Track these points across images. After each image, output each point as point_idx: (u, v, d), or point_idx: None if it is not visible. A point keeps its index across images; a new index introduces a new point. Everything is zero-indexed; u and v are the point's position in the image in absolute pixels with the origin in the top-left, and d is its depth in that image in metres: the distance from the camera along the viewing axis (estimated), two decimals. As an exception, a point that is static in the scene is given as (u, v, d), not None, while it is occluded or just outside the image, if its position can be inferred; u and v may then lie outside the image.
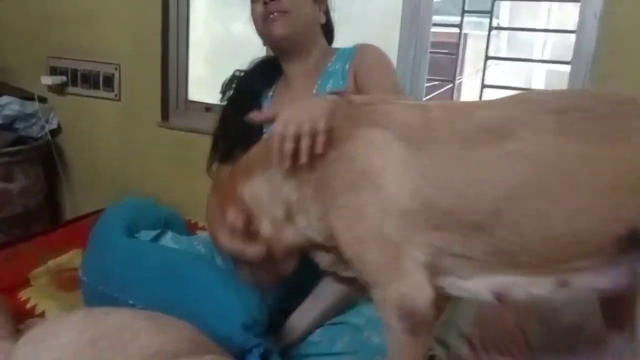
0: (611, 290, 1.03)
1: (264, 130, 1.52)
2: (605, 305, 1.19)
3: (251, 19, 1.57)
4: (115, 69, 2.59)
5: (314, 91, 1.54)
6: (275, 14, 1.48)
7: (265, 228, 1.16)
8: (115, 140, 2.66)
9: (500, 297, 1.05)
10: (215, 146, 1.66)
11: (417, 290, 1.02)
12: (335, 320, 1.37)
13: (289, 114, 1.08)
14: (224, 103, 1.70)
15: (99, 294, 1.37)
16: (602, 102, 1.04)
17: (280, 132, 1.04)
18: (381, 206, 1.02)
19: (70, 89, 2.71)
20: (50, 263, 1.89)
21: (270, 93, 1.64)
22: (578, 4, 1.89)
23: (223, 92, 1.70)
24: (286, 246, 1.18)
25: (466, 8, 2.12)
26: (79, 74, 2.67)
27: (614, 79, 1.82)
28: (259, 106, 1.60)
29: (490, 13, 2.10)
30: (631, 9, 1.77)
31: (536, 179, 0.98)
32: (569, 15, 1.92)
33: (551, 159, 0.99)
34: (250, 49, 1.77)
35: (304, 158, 1.04)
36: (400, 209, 1.01)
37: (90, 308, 1.19)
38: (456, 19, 2.15)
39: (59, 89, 2.72)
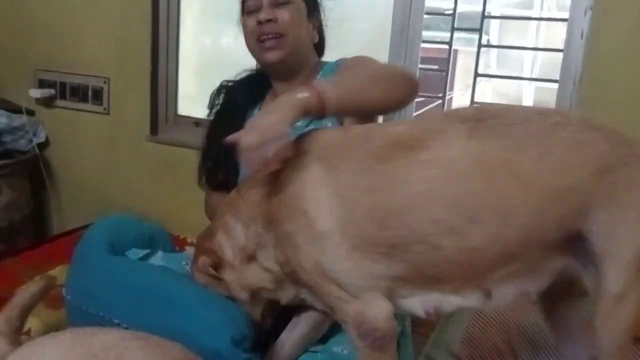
0: (538, 293, 1.06)
1: None
2: (549, 313, 1.21)
3: (241, 31, 1.56)
4: (105, 82, 2.58)
5: None
6: (270, 36, 1.46)
7: (227, 274, 1.22)
8: (103, 154, 2.64)
9: (430, 314, 1.06)
10: (204, 159, 1.66)
11: (372, 307, 1.02)
12: (318, 348, 1.35)
13: (253, 121, 1.09)
14: (212, 117, 1.69)
15: (82, 313, 1.34)
16: (522, 110, 1.08)
17: (243, 142, 1.04)
18: (309, 232, 1.03)
19: (59, 102, 2.69)
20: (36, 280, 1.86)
21: (257, 108, 1.62)
22: (566, 23, 1.91)
23: (211, 104, 1.69)
24: (250, 287, 1.21)
25: (456, 25, 2.13)
26: (67, 86, 2.65)
27: (600, 99, 1.83)
28: (244, 120, 1.57)
29: (479, 31, 2.11)
30: (617, 30, 1.79)
31: (447, 187, 0.98)
32: (559, 33, 1.93)
33: (463, 165, 0.99)
34: (239, 63, 1.77)
35: (273, 165, 1.05)
36: (323, 230, 1.02)
37: (78, 328, 1.17)
38: (446, 35, 2.16)
39: (47, 102, 2.70)
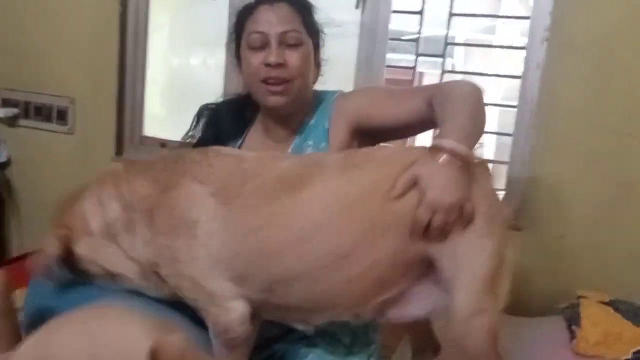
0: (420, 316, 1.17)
1: None
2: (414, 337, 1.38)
3: (235, 60, 1.47)
4: (70, 102, 2.56)
5: (291, 147, 1.43)
6: (278, 84, 1.34)
7: (81, 246, 1.22)
8: (67, 175, 2.61)
9: None
10: None
11: (229, 312, 1.13)
12: None
13: (437, 202, 1.10)
14: (188, 140, 1.56)
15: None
16: (385, 151, 1.24)
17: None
18: (193, 253, 1.12)
19: (23, 122, 2.67)
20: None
21: (240, 141, 1.50)
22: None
23: (191, 130, 1.55)
24: (104, 267, 1.23)
25: (422, 49, 2.19)
26: (32, 106, 2.63)
27: (556, 125, 1.90)
28: None
29: (442, 56, 2.17)
30: (571, 60, 1.86)
31: (320, 227, 1.08)
32: (521, 59, 2.00)
33: (333, 204, 1.09)
34: (207, 85, 1.77)
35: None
36: (209, 258, 1.12)
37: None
38: (412, 58, 2.21)
39: (11, 121, 2.67)
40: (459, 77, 4.55)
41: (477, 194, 1.09)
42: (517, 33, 4.32)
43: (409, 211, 1.07)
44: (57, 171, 2.63)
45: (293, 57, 1.34)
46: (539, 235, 1.93)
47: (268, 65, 1.32)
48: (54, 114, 2.59)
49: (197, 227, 1.12)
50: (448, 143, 1.08)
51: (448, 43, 2.16)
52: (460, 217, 1.06)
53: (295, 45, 1.35)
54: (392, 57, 2.26)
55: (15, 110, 2.64)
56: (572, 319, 1.60)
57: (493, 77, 2.41)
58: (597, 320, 1.56)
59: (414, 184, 1.08)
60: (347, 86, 2.20)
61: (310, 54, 1.39)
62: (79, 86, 2.54)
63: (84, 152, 2.57)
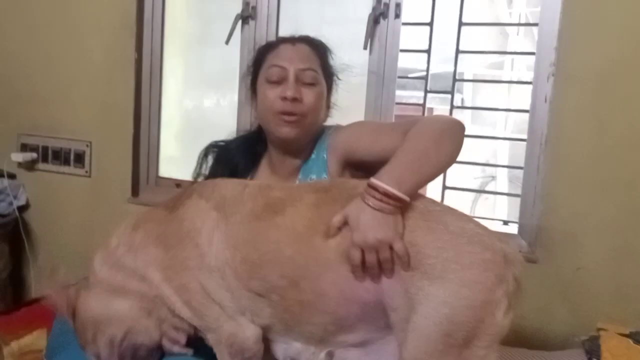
0: None
1: None
2: None
3: (250, 94, 1.53)
4: (87, 145, 2.62)
5: (298, 180, 1.49)
6: (292, 115, 1.40)
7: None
8: (84, 217, 2.65)
9: None
10: None
11: (244, 330, 1.18)
12: None
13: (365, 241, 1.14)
14: (197, 178, 1.60)
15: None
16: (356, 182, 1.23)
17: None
18: (199, 260, 1.20)
19: (41, 165, 2.72)
20: (14, 344, 1.84)
21: (249, 176, 1.56)
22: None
23: (199, 165, 1.61)
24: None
25: (431, 86, 2.23)
26: (49, 150, 2.69)
27: (566, 158, 1.91)
28: None
29: (452, 93, 2.21)
30: (578, 94, 1.89)
31: (285, 248, 1.15)
32: (529, 93, 2.03)
33: (299, 229, 1.16)
34: (220, 125, 1.81)
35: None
36: (212, 264, 1.19)
37: None
38: (421, 94, 2.24)
39: (29, 166, 2.73)
40: (468, 112, 4.61)
41: (444, 239, 1.07)
42: (524, 68, 4.39)
43: (345, 249, 1.11)
44: (74, 213, 2.67)
45: (309, 95, 1.41)
46: (556, 268, 1.92)
47: (284, 98, 1.39)
48: (71, 157, 2.65)
49: (201, 234, 1.21)
50: (379, 183, 1.10)
51: (456, 79, 2.20)
52: (397, 256, 1.07)
53: (312, 84, 1.42)
54: (401, 94, 2.30)
55: (33, 155, 2.70)
56: (593, 352, 1.59)
57: (502, 112, 2.42)
58: (617, 353, 1.55)
59: (345, 223, 1.11)
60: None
61: (324, 94, 1.46)
62: (95, 130, 2.60)
63: (101, 193, 2.61)
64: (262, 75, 1.46)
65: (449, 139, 1.22)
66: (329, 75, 1.49)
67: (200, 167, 1.60)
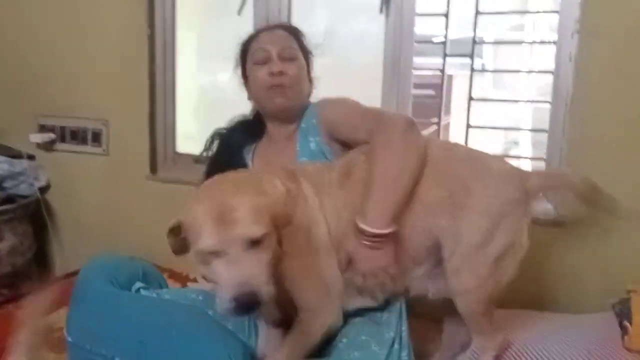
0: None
1: None
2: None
3: (237, 74, 1.73)
4: (104, 124, 2.61)
5: (298, 146, 1.66)
6: (281, 87, 1.61)
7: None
8: (104, 195, 2.66)
9: None
10: None
11: (336, 319, 1.41)
12: None
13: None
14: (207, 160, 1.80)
15: (85, 353, 1.34)
16: None
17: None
18: (317, 241, 1.37)
19: (59, 146, 2.73)
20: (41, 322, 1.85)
21: (251, 152, 1.74)
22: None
23: (205, 150, 1.82)
24: None
25: (450, 50, 2.16)
26: (67, 130, 2.69)
27: (591, 118, 1.85)
28: (242, 165, 1.68)
29: (471, 56, 2.14)
30: (604, 52, 1.81)
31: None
32: (552, 55, 1.96)
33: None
34: (236, 100, 1.80)
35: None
36: (324, 243, 1.38)
37: None
38: (440, 61, 2.19)
39: (48, 146, 2.74)
40: (489, 77, 4.51)
41: (487, 183, 1.38)
42: (546, 29, 4.26)
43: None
44: (94, 192, 2.69)
45: (291, 68, 1.64)
46: (583, 231, 1.88)
47: (272, 74, 1.61)
48: (89, 136, 2.65)
49: (308, 200, 1.39)
50: (367, 228, 1.32)
51: (476, 42, 2.13)
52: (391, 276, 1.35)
53: (292, 59, 1.65)
54: (420, 61, 2.24)
55: (51, 136, 2.71)
56: (623, 315, 1.55)
57: (524, 77, 2.35)
58: (648, 315, 1.50)
59: (349, 258, 1.37)
60: (375, 92, 2.20)
61: (304, 67, 1.70)
62: (111, 108, 2.59)
63: (119, 171, 2.61)
64: (249, 61, 1.69)
65: (414, 151, 1.38)
66: (305, 53, 1.72)
67: (208, 150, 1.81)
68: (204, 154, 1.82)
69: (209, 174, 1.67)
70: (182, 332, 1.26)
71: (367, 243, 1.32)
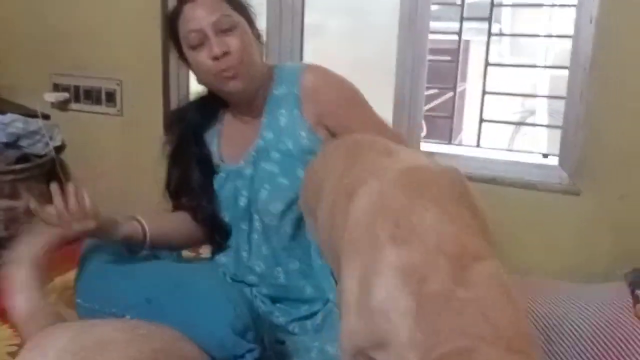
0: None
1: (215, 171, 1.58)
2: None
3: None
4: (117, 84, 2.61)
5: (264, 118, 1.51)
6: (229, 70, 1.40)
7: None
8: (118, 155, 2.67)
9: None
10: (167, 185, 1.74)
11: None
12: (314, 345, 1.39)
13: None
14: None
15: (95, 314, 1.36)
16: None
17: None
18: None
19: (73, 105, 2.73)
20: (57, 280, 1.88)
21: (216, 137, 1.60)
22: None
23: (170, 131, 1.68)
24: None
25: (467, 14, 2.12)
26: (81, 90, 2.69)
27: (610, 85, 1.81)
28: (201, 142, 1.61)
29: (489, 20, 2.10)
30: (627, 12, 1.76)
31: None
32: (570, 20, 1.91)
33: None
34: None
35: None
36: None
37: (85, 320, 1.26)
38: (457, 25, 2.15)
39: (62, 106, 2.74)
40: (507, 42, 4.42)
41: None
42: (567, -7, 4.15)
43: None
44: (109, 152, 2.69)
45: (233, 41, 1.39)
46: (599, 198, 1.87)
47: (215, 58, 1.38)
48: (103, 96, 2.65)
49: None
50: None
51: (494, 5, 2.08)
52: None
53: (230, 28, 1.40)
54: (437, 25, 2.21)
55: (65, 95, 2.71)
56: (636, 284, 1.55)
57: (542, 43, 2.31)
58: (661, 284, 1.50)
59: None
60: (389, 55, 2.16)
61: (246, 32, 1.44)
62: (125, 68, 2.58)
63: (133, 132, 2.62)
64: (184, 44, 1.45)
65: None
66: (242, 10, 1.47)
67: (169, 134, 1.65)
68: (166, 133, 1.68)
69: (171, 159, 1.68)
70: (188, 290, 1.27)
71: None
